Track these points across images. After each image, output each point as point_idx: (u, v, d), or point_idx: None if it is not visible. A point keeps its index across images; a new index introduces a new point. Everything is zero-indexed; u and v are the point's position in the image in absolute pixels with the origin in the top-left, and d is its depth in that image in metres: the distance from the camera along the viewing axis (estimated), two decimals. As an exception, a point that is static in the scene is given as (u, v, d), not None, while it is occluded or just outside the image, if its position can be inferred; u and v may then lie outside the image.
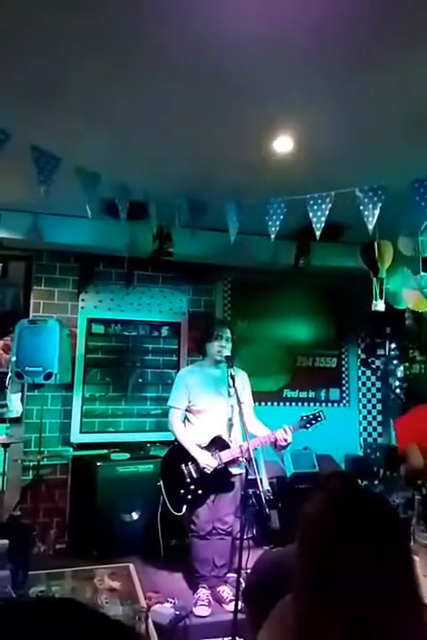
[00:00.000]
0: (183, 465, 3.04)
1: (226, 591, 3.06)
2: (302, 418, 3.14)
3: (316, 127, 2.59)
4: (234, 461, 3.03)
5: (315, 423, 3.13)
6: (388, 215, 2.73)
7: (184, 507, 2.98)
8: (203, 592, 2.98)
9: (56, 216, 3.78)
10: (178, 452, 3.12)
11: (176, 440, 3.18)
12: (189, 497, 2.99)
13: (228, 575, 3.14)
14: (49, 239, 3.86)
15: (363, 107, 2.40)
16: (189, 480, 3.01)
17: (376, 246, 3.44)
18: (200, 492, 3.00)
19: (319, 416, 3.14)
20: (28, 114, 2.43)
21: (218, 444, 3.07)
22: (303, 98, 2.34)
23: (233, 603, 2.86)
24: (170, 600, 2.75)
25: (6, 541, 1.35)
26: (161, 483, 3.10)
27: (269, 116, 2.50)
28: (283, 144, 2.76)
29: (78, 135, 2.64)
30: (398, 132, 2.60)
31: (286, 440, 3.00)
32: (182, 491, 3.00)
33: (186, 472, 3.03)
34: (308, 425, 3.12)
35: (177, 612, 2.64)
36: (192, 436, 3.14)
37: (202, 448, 3.06)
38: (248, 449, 2.69)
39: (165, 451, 3.32)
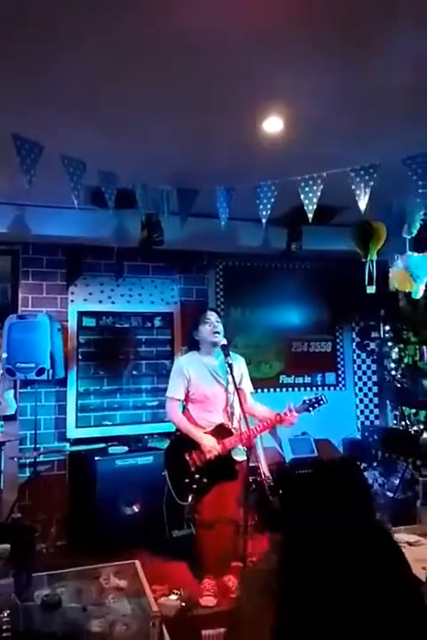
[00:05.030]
0: (187, 454, 3.01)
1: (231, 580, 3.05)
2: (303, 401, 3.10)
3: (306, 106, 2.53)
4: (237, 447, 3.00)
5: (317, 406, 3.10)
6: (380, 195, 2.68)
7: (190, 496, 2.96)
8: (208, 582, 2.96)
9: (41, 207, 3.69)
10: (181, 442, 3.09)
11: (178, 430, 3.14)
12: (195, 486, 2.96)
13: (232, 563, 3.12)
14: (35, 231, 3.78)
15: (353, 84, 2.34)
16: (193, 469, 2.98)
17: (370, 227, 3.41)
18: (205, 480, 2.97)
19: (322, 399, 3.11)
20: (8, 101, 2.35)
21: (221, 431, 3.04)
22: (292, 76, 2.28)
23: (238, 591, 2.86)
24: (175, 591, 2.75)
25: (8, 546, 1.30)
26: (166, 473, 3.08)
27: (257, 97, 2.44)
28: (273, 125, 2.70)
29: (61, 122, 2.56)
30: (390, 108, 2.54)
31: (292, 418, 2.99)
32: (187, 480, 2.97)
33: (190, 461, 3.00)
34: (310, 408, 3.09)
35: (183, 604, 2.63)
36: (193, 423, 3.10)
37: (205, 432, 3.03)
38: (249, 436, 2.67)
39: (167, 441, 3.30)
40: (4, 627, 1.07)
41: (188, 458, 3.01)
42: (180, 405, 3.19)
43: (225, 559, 3.09)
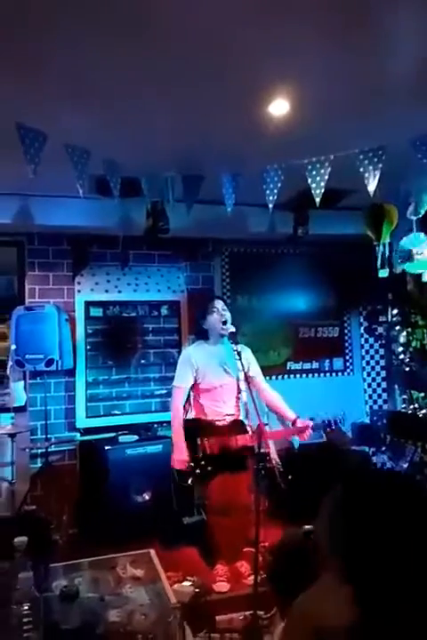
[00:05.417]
0: (200, 439, 2.99)
1: (244, 566, 3.07)
2: (323, 422, 3.07)
3: (312, 87, 2.48)
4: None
5: (334, 428, 3.08)
6: (391, 177, 2.64)
7: (190, 479, 2.95)
8: (221, 568, 2.98)
9: (46, 197, 3.67)
10: (196, 426, 3.07)
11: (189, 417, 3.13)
12: (198, 471, 2.95)
13: (245, 550, 3.14)
14: (40, 222, 3.76)
15: (360, 64, 2.28)
16: (202, 454, 2.97)
17: (382, 210, 3.36)
18: (209, 468, 2.97)
19: (342, 420, 3.08)
20: (11, 91, 2.32)
21: (236, 427, 3.03)
22: (298, 57, 2.23)
23: (252, 577, 2.88)
24: (189, 578, 2.77)
25: (25, 538, 1.30)
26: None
27: (262, 79, 2.39)
28: (278, 107, 2.65)
29: (63, 110, 2.53)
30: (397, 89, 2.49)
31: (307, 435, 2.96)
32: (192, 463, 2.96)
33: (201, 446, 2.98)
34: (328, 428, 3.06)
35: (197, 590, 2.65)
36: (208, 415, 3.10)
37: (220, 425, 3.02)
38: (261, 430, 2.66)
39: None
40: (25, 619, 1.09)
41: (199, 442, 2.99)
42: (185, 394, 3.18)
43: (237, 545, 3.10)
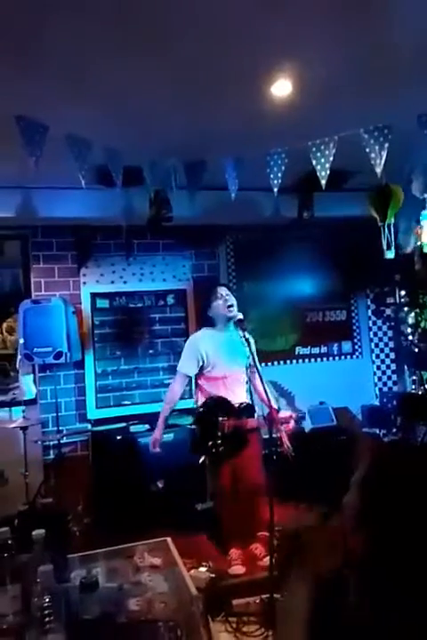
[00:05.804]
0: (221, 417, 2.98)
1: (259, 548, 3.09)
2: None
3: (314, 65, 2.44)
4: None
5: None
6: (395, 157, 2.59)
7: (203, 456, 2.98)
8: (235, 552, 3.01)
9: (49, 189, 3.66)
10: (218, 405, 3.05)
11: (203, 403, 3.13)
12: (213, 450, 2.95)
13: (258, 533, 3.16)
14: (43, 214, 3.74)
15: (363, 40, 2.24)
16: (219, 433, 2.96)
17: (388, 190, 3.31)
18: (221, 449, 2.97)
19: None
20: (11, 82, 2.29)
21: (247, 411, 3.04)
22: (299, 36, 2.19)
23: (267, 558, 2.90)
24: (204, 564, 2.79)
25: (43, 531, 1.31)
26: (195, 426, 3.09)
27: (264, 60, 2.35)
28: (281, 88, 2.60)
29: (64, 101, 2.50)
30: (402, 65, 2.44)
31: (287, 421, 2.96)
32: (210, 442, 2.95)
33: (220, 425, 2.96)
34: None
35: (213, 575, 2.67)
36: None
37: (234, 408, 3.02)
38: (272, 414, 2.67)
39: (187, 418, 3.34)
40: (47, 611, 1.09)
41: (220, 419, 2.97)
42: (186, 381, 3.21)
43: (250, 529, 3.12)
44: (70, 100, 2.50)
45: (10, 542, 1.30)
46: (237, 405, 3.05)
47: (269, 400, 2.75)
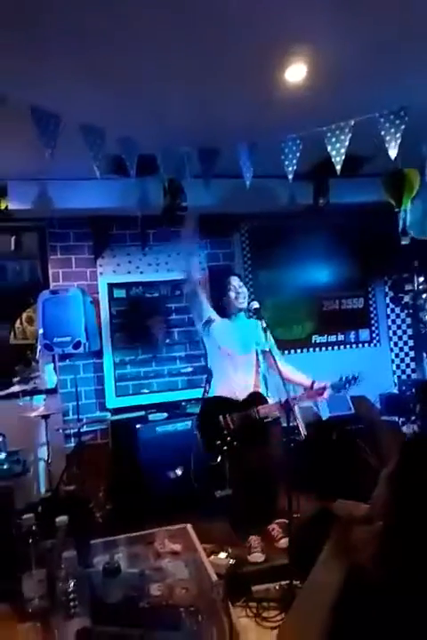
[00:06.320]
0: (221, 416, 3.04)
1: (276, 530, 3.12)
2: (340, 378, 3.06)
3: (329, 48, 2.39)
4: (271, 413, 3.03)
5: (353, 384, 3.06)
6: (411, 140, 2.53)
7: (218, 457, 3.01)
8: (254, 539, 3.04)
9: (64, 180, 3.67)
10: (215, 404, 3.13)
11: (205, 391, 3.18)
12: (225, 448, 3.01)
13: (276, 520, 3.19)
14: (59, 205, 3.77)
15: (378, 21, 2.18)
16: (226, 431, 3.02)
17: (402, 175, 3.24)
18: (235, 443, 3.01)
19: (357, 377, 3.05)
20: (24, 72, 2.30)
21: (255, 400, 3.05)
22: (314, 18, 2.14)
23: (283, 540, 2.93)
24: (224, 550, 2.83)
25: (66, 517, 1.35)
26: (198, 433, 3.15)
27: (278, 44, 2.32)
28: (295, 73, 2.57)
29: (77, 91, 2.51)
30: (419, 45, 2.37)
31: (326, 395, 3.01)
32: (219, 442, 3.01)
33: (224, 423, 3.03)
34: (347, 385, 3.05)
35: (232, 561, 2.71)
36: (225, 391, 3.13)
37: (239, 403, 3.06)
38: (288, 401, 2.68)
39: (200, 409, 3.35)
40: (71, 596, 1.12)
41: (222, 420, 3.04)
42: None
43: (267, 516, 3.15)
44: (84, 89, 2.51)
45: (34, 528, 1.34)
46: (239, 397, 3.08)
47: (284, 387, 2.76)
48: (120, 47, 2.22)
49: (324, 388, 3.00)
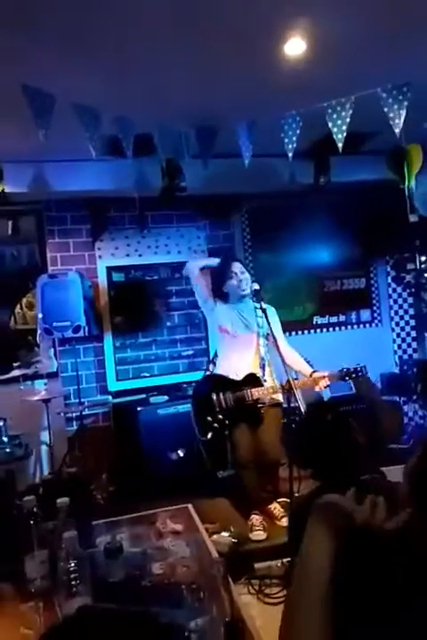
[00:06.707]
0: (215, 394, 3.06)
1: (277, 508, 3.16)
2: (341, 369, 3.05)
3: (328, 21, 2.33)
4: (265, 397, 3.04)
5: (355, 378, 3.05)
6: (415, 116, 2.49)
7: (210, 433, 3.03)
8: (256, 518, 3.07)
9: (60, 162, 3.62)
10: (210, 381, 3.15)
11: (208, 371, 3.19)
12: (216, 425, 3.03)
13: (278, 500, 3.22)
14: (55, 188, 3.73)
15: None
16: (218, 409, 3.03)
17: (405, 152, 3.19)
18: (227, 422, 3.03)
19: (361, 371, 3.02)
20: (16, 52, 2.25)
21: (251, 381, 3.06)
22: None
23: (285, 518, 2.96)
24: (227, 529, 2.86)
25: (67, 499, 1.36)
26: (191, 408, 3.18)
27: (276, 17, 2.26)
28: (294, 47, 2.50)
29: (71, 69, 2.45)
30: (421, 16, 2.30)
31: (325, 383, 2.98)
32: (210, 418, 3.03)
33: (216, 401, 3.04)
34: (347, 377, 3.03)
35: (234, 540, 2.74)
36: (224, 370, 3.15)
37: (236, 382, 3.07)
38: (289, 381, 2.69)
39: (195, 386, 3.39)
40: (73, 575, 1.13)
41: (215, 397, 3.05)
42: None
43: (269, 496, 3.19)
44: (78, 68, 2.46)
45: (35, 510, 1.34)
46: (233, 377, 3.09)
47: (286, 370, 2.76)
48: (115, 24, 2.17)
49: (322, 377, 2.98)
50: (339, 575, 0.83)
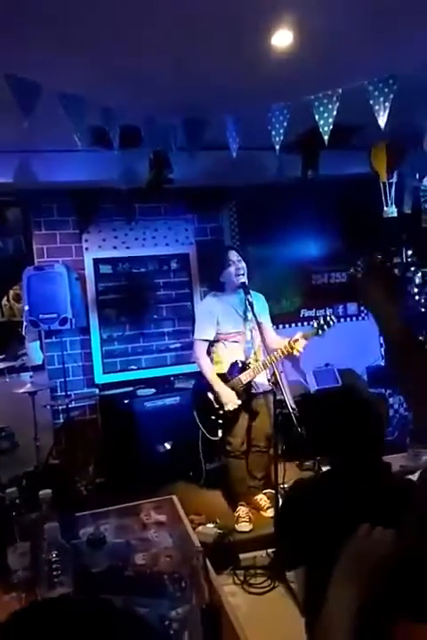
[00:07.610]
0: (210, 393, 3.09)
1: (263, 499, 3.19)
2: (314, 324, 3.09)
3: (316, 13, 2.32)
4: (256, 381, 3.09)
5: (327, 328, 3.05)
6: (399, 110, 2.50)
7: (219, 431, 3.06)
8: (242, 509, 3.10)
9: (46, 152, 3.57)
10: (205, 382, 3.15)
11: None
12: (221, 421, 3.05)
13: (264, 491, 3.25)
14: (41, 178, 3.67)
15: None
16: (217, 406, 3.04)
17: (386, 147, 3.22)
18: (230, 415, 3.05)
19: (331, 319, 3.04)
20: (5, 41, 2.21)
21: (236, 368, 3.09)
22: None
23: (271, 509, 2.99)
24: (213, 521, 2.88)
25: (49, 491, 1.35)
26: (195, 413, 3.18)
27: (263, 9, 2.24)
28: (282, 38, 2.49)
29: (57, 60, 2.41)
30: (409, 9, 2.31)
31: (302, 343, 3.00)
32: (214, 417, 3.05)
33: (213, 399, 3.07)
34: (320, 331, 3.05)
35: (220, 531, 2.76)
36: (217, 367, 3.17)
37: (220, 373, 3.11)
38: (274, 374, 2.71)
39: (192, 382, 3.37)
40: (55, 566, 1.13)
41: (211, 396, 3.08)
42: (206, 346, 3.20)
43: (256, 487, 3.22)
44: (64, 57, 2.41)
45: (17, 502, 1.34)
46: (219, 371, 3.12)
47: (273, 362, 2.78)
48: (101, 14, 2.14)
49: (296, 341, 2.98)
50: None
